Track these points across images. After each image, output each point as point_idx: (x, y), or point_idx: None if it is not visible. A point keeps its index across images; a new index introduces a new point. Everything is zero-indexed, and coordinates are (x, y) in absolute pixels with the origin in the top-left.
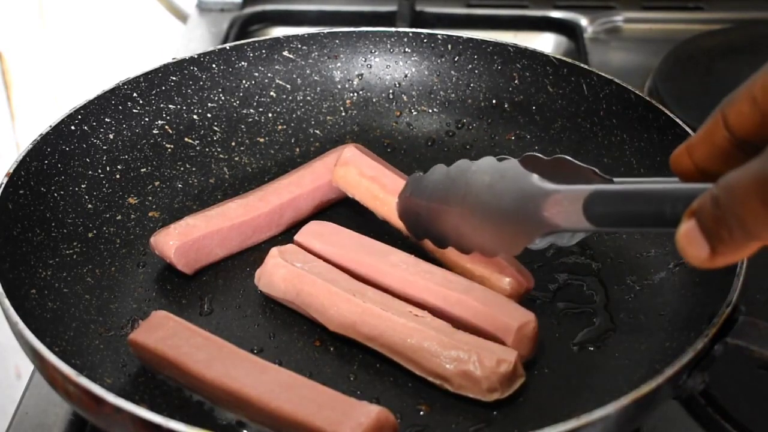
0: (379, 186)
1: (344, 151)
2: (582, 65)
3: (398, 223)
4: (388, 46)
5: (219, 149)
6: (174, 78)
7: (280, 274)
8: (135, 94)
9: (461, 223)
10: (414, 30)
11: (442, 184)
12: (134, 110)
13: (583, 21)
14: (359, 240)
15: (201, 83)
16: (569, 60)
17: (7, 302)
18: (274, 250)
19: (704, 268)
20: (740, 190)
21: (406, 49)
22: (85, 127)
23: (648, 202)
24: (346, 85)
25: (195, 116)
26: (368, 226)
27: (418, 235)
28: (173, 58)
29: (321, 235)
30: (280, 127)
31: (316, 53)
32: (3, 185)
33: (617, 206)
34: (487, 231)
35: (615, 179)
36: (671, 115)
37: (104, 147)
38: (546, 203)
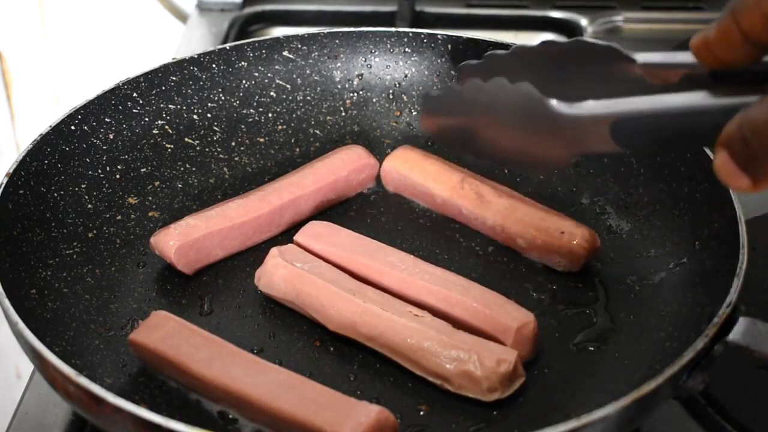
0: None
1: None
2: None
3: None
4: (388, 46)
5: (219, 149)
6: (174, 78)
7: (280, 274)
8: (135, 94)
9: (491, 142)
10: (414, 30)
11: (460, 106)
12: (134, 110)
13: (583, 21)
14: (359, 240)
15: (201, 83)
16: None
17: (7, 302)
18: (274, 250)
19: (754, 193)
20: (764, 126)
21: (406, 49)
22: (85, 127)
23: (676, 124)
24: (346, 85)
25: (195, 116)
26: (368, 226)
27: (455, 150)
28: (173, 58)
29: (321, 235)
30: (280, 127)
31: (316, 53)
32: (3, 185)
33: (645, 129)
34: (520, 151)
35: (638, 59)
36: None
37: (104, 147)
38: (571, 128)
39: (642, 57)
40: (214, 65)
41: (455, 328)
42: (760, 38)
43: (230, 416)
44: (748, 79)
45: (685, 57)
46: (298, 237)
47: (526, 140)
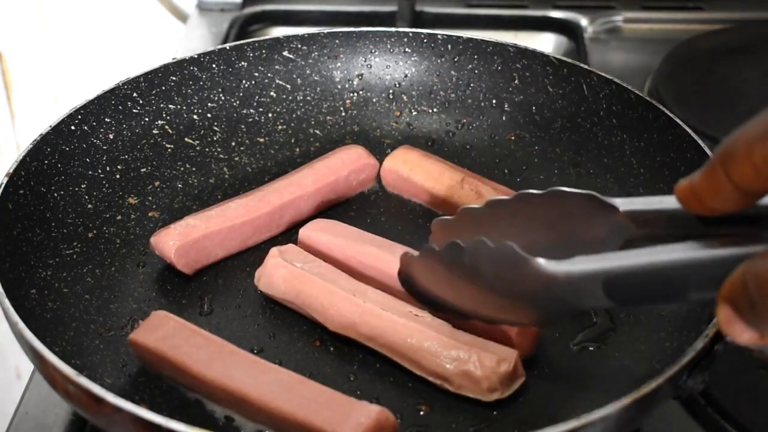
0: None
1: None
2: (582, 65)
3: None
4: (388, 46)
5: (219, 149)
6: (174, 78)
7: (280, 274)
8: (135, 94)
9: (473, 302)
10: (414, 30)
11: (442, 270)
12: (134, 110)
13: (583, 21)
14: (366, 234)
15: (201, 83)
16: (569, 60)
17: (7, 302)
18: (274, 250)
19: (761, 345)
20: None
21: (406, 49)
22: (85, 127)
23: (673, 278)
24: (346, 85)
25: (195, 116)
26: (368, 226)
27: (425, 302)
28: (173, 58)
29: (328, 229)
30: (280, 127)
31: (316, 53)
32: (3, 185)
33: (639, 285)
34: (511, 313)
35: (619, 206)
36: (671, 115)
37: (104, 147)
38: (561, 288)
39: (623, 204)
40: (214, 65)
41: (455, 328)
42: (751, 188)
43: (230, 416)
44: (740, 223)
45: (669, 202)
46: (304, 231)
47: (513, 302)
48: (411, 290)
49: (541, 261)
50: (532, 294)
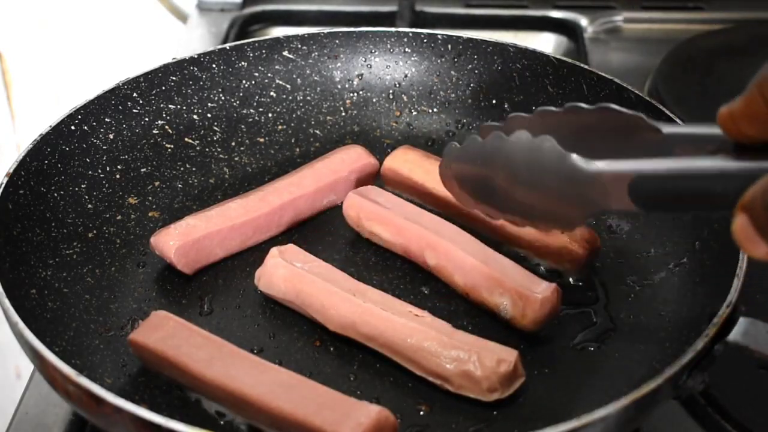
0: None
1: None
2: (582, 65)
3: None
4: (388, 46)
5: (219, 149)
6: (174, 78)
7: (280, 274)
8: (135, 94)
9: (509, 197)
10: (414, 30)
11: (481, 157)
12: (134, 110)
13: (583, 21)
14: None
15: (201, 83)
16: (569, 60)
17: (7, 302)
18: (274, 250)
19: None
20: None
21: (406, 49)
22: (85, 127)
23: (696, 186)
24: (346, 85)
25: (195, 116)
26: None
27: (468, 203)
28: (173, 58)
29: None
30: (280, 127)
31: (316, 53)
32: (3, 185)
33: (663, 191)
34: (536, 209)
35: (663, 129)
36: (671, 115)
37: (104, 147)
38: (590, 186)
39: (668, 128)
40: (214, 65)
41: (455, 328)
42: None
43: (230, 416)
44: None
45: (712, 129)
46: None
47: (543, 197)
48: (451, 184)
49: (574, 156)
50: (562, 190)
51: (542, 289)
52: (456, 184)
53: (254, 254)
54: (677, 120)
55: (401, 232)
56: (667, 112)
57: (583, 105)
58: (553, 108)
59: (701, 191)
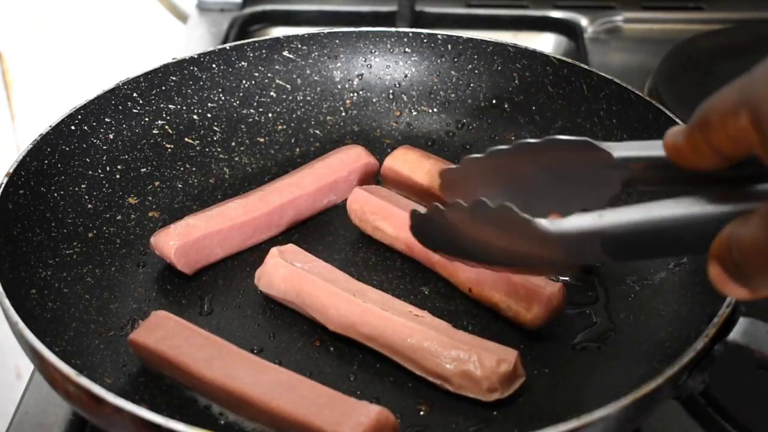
0: None
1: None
2: (582, 65)
3: None
4: (388, 46)
5: (219, 149)
6: (174, 78)
7: (280, 274)
8: (135, 94)
9: (485, 254)
10: (414, 30)
11: (446, 227)
12: (134, 110)
13: (583, 21)
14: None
15: (201, 83)
16: (569, 60)
17: (7, 302)
18: (274, 250)
19: (753, 299)
20: (750, 249)
21: (406, 49)
22: (85, 127)
23: (668, 234)
24: (346, 85)
25: (195, 116)
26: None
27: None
28: (173, 58)
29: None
30: (280, 127)
31: (316, 53)
32: (3, 185)
33: (636, 242)
34: (513, 265)
35: (614, 153)
36: (671, 115)
37: (104, 147)
38: (560, 246)
39: (618, 150)
40: (214, 65)
41: (455, 328)
42: (729, 154)
43: (230, 416)
44: (729, 177)
45: (662, 148)
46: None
47: (518, 255)
48: (424, 242)
49: (540, 221)
50: (535, 250)
51: (550, 286)
52: (432, 245)
53: (254, 254)
54: (679, 122)
55: (406, 227)
56: (667, 112)
57: (531, 140)
58: (503, 147)
59: (675, 238)
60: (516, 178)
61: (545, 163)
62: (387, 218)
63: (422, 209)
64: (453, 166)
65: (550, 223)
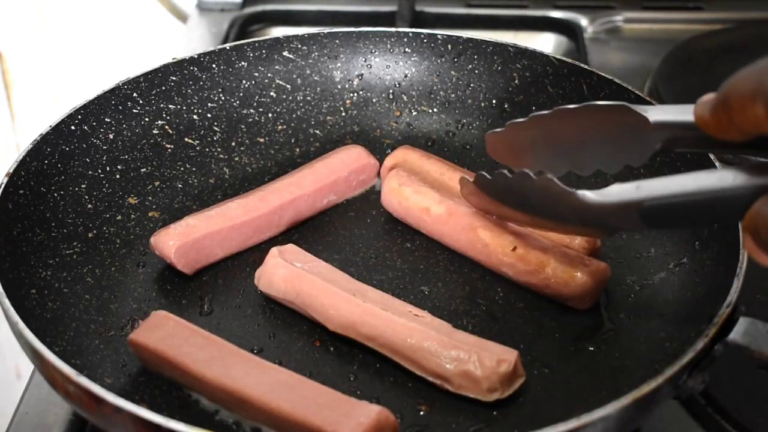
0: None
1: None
2: (582, 65)
3: None
4: (388, 46)
5: (219, 149)
6: (174, 78)
7: (280, 274)
8: (135, 94)
9: (533, 214)
10: (414, 30)
11: (501, 191)
12: (134, 110)
13: (583, 21)
14: None
15: (201, 83)
16: (569, 60)
17: (7, 302)
18: (274, 250)
19: None
20: None
21: (406, 49)
22: (85, 127)
23: (703, 205)
24: (346, 85)
25: (195, 116)
26: (368, 226)
27: (493, 211)
28: (173, 58)
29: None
30: (280, 127)
31: (316, 53)
32: (3, 185)
33: (672, 211)
34: (558, 227)
35: (650, 117)
36: None
37: (104, 147)
38: (602, 215)
39: (654, 114)
40: (214, 65)
41: (455, 328)
42: (750, 133)
43: (229, 416)
44: (763, 146)
45: (715, 176)
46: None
47: (560, 222)
48: (475, 203)
49: (580, 193)
50: (575, 218)
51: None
52: (481, 197)
53: (254, 254)
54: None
55: (451, 210)
56: None
57: (570, 106)
58: (543, 112)
59: (709, 208)
60: (558, 140)
61: (585, 126)
62: (431, 197)
63: (470, 177)
64: (498, 130)
65: (590, 194)
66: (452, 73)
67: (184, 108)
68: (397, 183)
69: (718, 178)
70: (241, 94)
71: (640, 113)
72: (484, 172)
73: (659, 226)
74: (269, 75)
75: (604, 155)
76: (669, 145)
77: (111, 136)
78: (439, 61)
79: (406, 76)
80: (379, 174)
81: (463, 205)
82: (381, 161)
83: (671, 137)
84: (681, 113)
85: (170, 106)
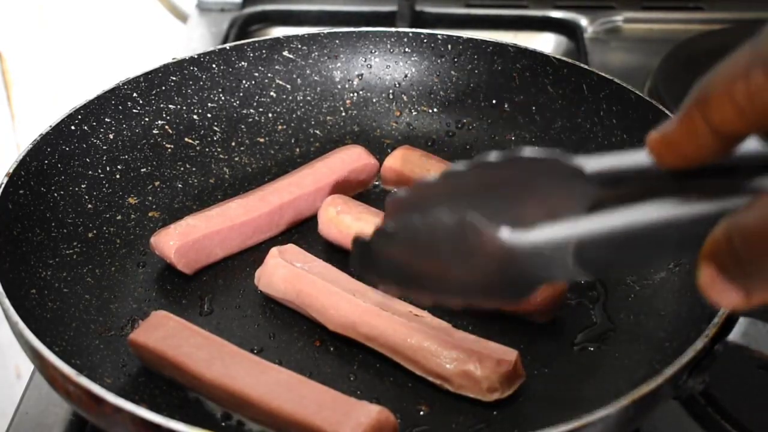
0: None
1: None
2: (582, 65)
3: None
4: (388, 46)
5: (219, 149)
6: (174, 78)
7: (280, 274)
8: (135, 94)
9: (440, 280)
10: (414, 30)
11: (397, 250)
12: (134, 110)
13: (583, 21)
14: None
15: (201, 83)
16: (569, 60)
17: (7, 302)
18: (274, 250)
19: (746, 309)
20: (756, 233)
21: (406, 49)
22: (85, 127)
23: (648, 241)
24: (346, 85)
25: (195, 116)
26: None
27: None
28: (173, 58)
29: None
30: (280, 127)
31: (316, 53)
32: (3, 185)
33: (613, 251)
34: (474, 290)
35: (586, 168)
36: (671, 115)
37: (104, 147)
38: (528, 261)
39: (590, 165)
40: (214, 65)
41: (455, 328)
42: (733, 130)
43: (230, 416)
44: (716, 175)
45: (639, 158)
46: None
47: (478, 279)
48: (366, 273)
49: (504, 231)
50: (496, 269)
51: None
52: (381, 280)
53: (254, 254)
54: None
55: None
56: (667, 112)
57: (491, 159)
58: (460, 168)
59: (656, 244)
60: (474, 201)
61: (508, 183)
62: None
63: (365, 238)
64: (399, 193)
65: (515, 233)
66: (452, 73)
67: (184, 108)
68: (335, 211)
69: (669, 207)
70: (241, 94)
71: (572, 164)
72: (383, 226)
73: (599, 271)
74: (269, 75)
75: (527, 209)
76: (606, 200)
77: (111, 136)
78: (439, 61)
79: (406, 76)
80: (379, 174)
81: None
82: (381, 161)
83: (609, 191)
84: (620, 161)
85: (170, 106)
